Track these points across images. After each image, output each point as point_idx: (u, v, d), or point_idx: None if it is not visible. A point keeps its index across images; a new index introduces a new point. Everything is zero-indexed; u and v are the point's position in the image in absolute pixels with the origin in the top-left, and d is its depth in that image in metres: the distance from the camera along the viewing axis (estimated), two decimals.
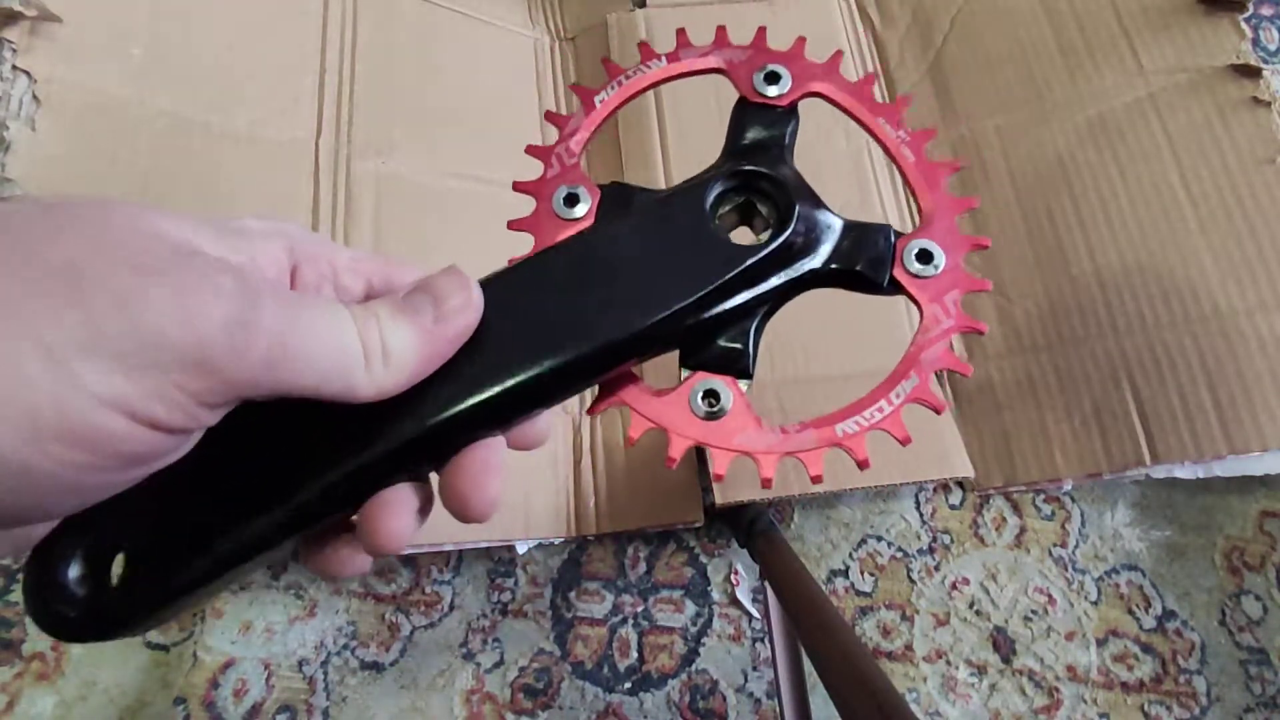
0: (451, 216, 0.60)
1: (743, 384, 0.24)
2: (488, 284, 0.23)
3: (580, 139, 0.27)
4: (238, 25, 0.56)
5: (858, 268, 0.24)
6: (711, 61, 0.28)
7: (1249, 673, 0.57)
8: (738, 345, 0.24)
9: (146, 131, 0.50)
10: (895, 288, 0.25)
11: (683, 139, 0.64)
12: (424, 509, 0.22)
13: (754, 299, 0.24)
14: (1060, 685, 0.58)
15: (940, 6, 0.69)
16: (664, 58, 0.28)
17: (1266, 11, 0.75)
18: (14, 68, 0.46)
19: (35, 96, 0.46)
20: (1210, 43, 0.58)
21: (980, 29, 0.67)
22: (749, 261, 0.23)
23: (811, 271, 0.24)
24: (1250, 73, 0.55)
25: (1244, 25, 0.57)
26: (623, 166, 0.65)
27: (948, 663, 0.59)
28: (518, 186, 0.26)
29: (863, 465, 0.23)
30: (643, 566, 0.61)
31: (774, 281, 0.24)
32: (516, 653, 0.59)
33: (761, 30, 0.28)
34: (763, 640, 0.59)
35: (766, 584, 0.50)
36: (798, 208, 0.24)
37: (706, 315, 0.23)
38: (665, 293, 0.23)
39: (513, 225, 0.26)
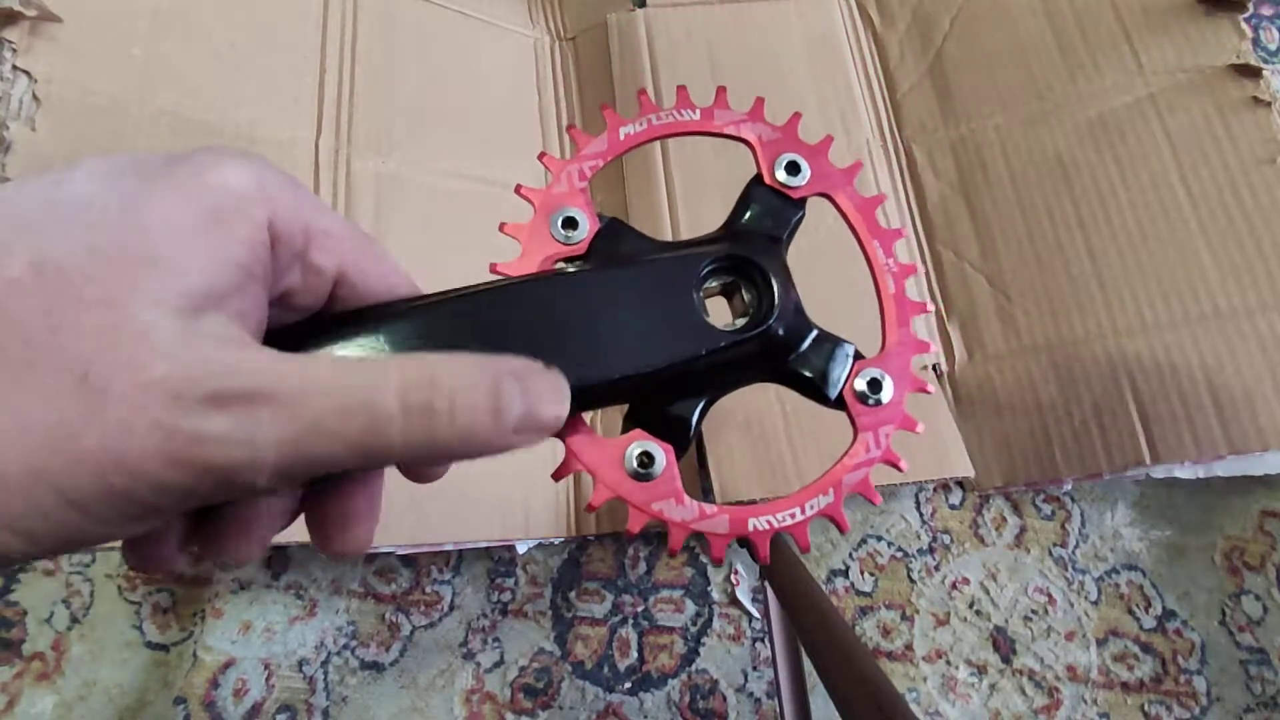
0: (451, 216, 0.60)
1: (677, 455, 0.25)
2: (459, 297, 0.22)
3: (595, 165, 0.27)
4: (238, 25, 0.56)
5: (813, 378, 0.25)
6: (744, 132, 0.28)
7: (1249, 673, 0.57)
8: (683, 417, 0.24)
9: (146, 131, 0.50)
10: (840, 405, 0.26)
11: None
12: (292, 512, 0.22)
13: (709, 379, 0.24)
14: (1060, 685, 0.58)
15: (940, 6, 0.69)
16: (699, 110, 0.28)
17: (1267, 11, 0.75)
18: (14, 68, 0.46)
19: (35, 96, 0.46)
20: (1210, 43, 0.58)
21: (980, 29, 0.67)
22: (719, 345, 0.24)
23: (772, 368, 0.25)
24: (1250, 73, 0.55)
25: (1244, 25, 0.57)
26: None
27: (948, 663, 0.59)
28: (520, 191, 0.26)
29: (762, 562, 0.25)
30: (643, 566, 0.61)
31: (734, 368, 0.25)
32: (516, 652, 0.59)
33: (796, 117, 0.28)
34: (763, 640, 0.59)
35: (766, 584, 0.50)
36: (778, 309, 0.24)
37: (662, 383, 0.24)
38: (631, 355, 0.23)
39: (505, 229, 0.26)
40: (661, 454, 0.24)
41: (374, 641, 0.59)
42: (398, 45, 0.63)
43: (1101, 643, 0.59)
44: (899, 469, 0.26)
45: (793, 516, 0.25)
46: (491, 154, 0.64)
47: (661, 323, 0.23)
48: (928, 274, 0.63)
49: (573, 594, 0.61)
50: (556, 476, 0.25)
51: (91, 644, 0.57)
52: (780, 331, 0.25)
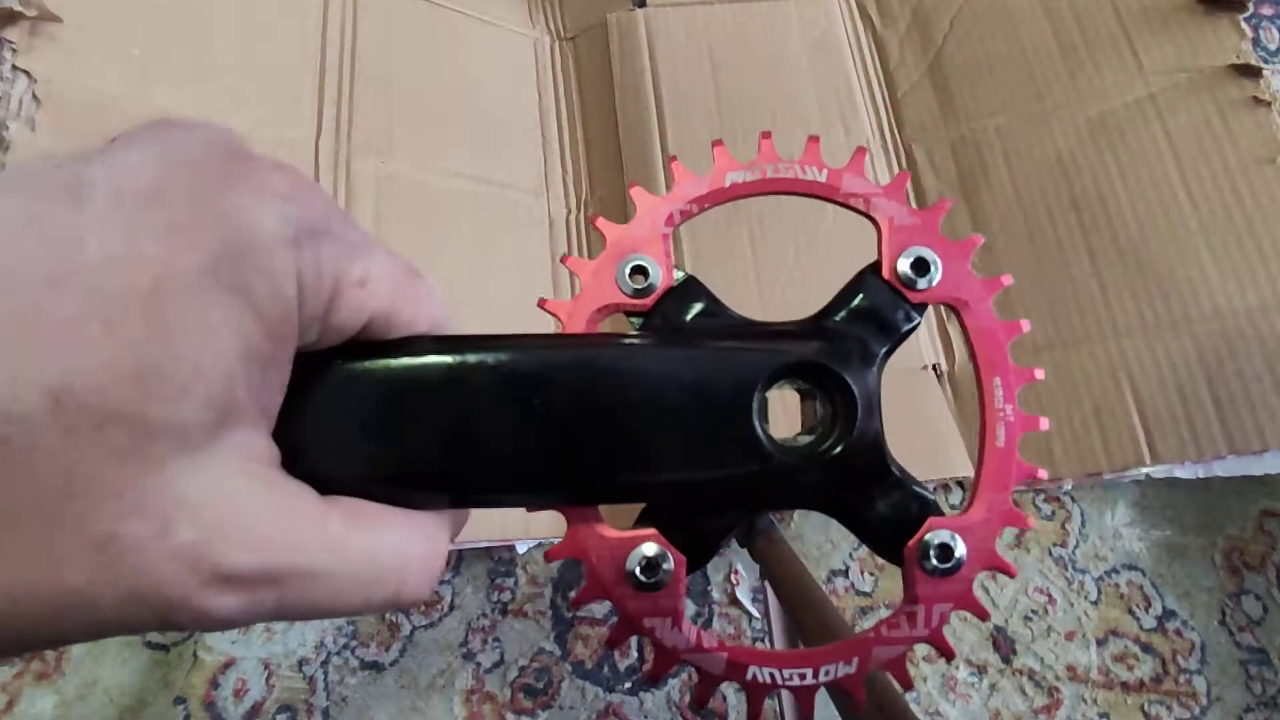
0: (451, 216, 0.60)
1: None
2: (494, 341, 0.20)
3: (687, 210, 0.24)
4: (238, 25, 0.56)
5: (873, 524, 0.22)
6: (874, 209, 0.23)
7: (1249, 673, 0.57)
8: (708, 530, 0.21)
9: None
10: (895, 559, 0.22)
11: (681, 147, 0.64)
12: None
13: (750, 495, 0.21)
14: (1060, 685, 0.58)
15: (940, 6, 0.69)
16: (825, 170, 0.24)
17: (1267, 11, 0.75)
18: (14, 68, 0.46)
19: (35, 96, 0.46)
20: (1210, 43, 0.58)
21: (980, 29, 0.67)
22: (767, 465, 0.20)
23: (826, 499, 0.22)
24: (1250, 73, 0.55)
25: (1244, 25, 0.57)
26: (623, 169, 0.65)
27: (948, 662, 0.59)
28: (597, 224, 0.23)
29: (752, 717, 0.22)
30: None
31: (782, 490, 0.21)
32: (516, 652, 0.59)
33: (942, 204, 0.24)
34: (763, 640, 0.59)
35: (766, 584, 0.50)
36: (852, 438, 0.21)
37: (691, 491, 0.21)
38: (663, 456, 0.20)
39: (567, 262, 0.23)
40: (671, 564, 0.21)
41: (374, 641, 0.59)
42: (398, 45, 0.63)
43: (1101, 643, 0.59)
44: (947, 657, 0.22)
45: (801, 677, 0.21)
46: (491, 154, 0.64)
47: (707, 427, 0.20)
48: None
49: (573, 594, 0.61)
50: (549, 556, 0.22)
51: (91, 644, 0.57)
52: (847, 465, 0.21)
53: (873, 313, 0.22)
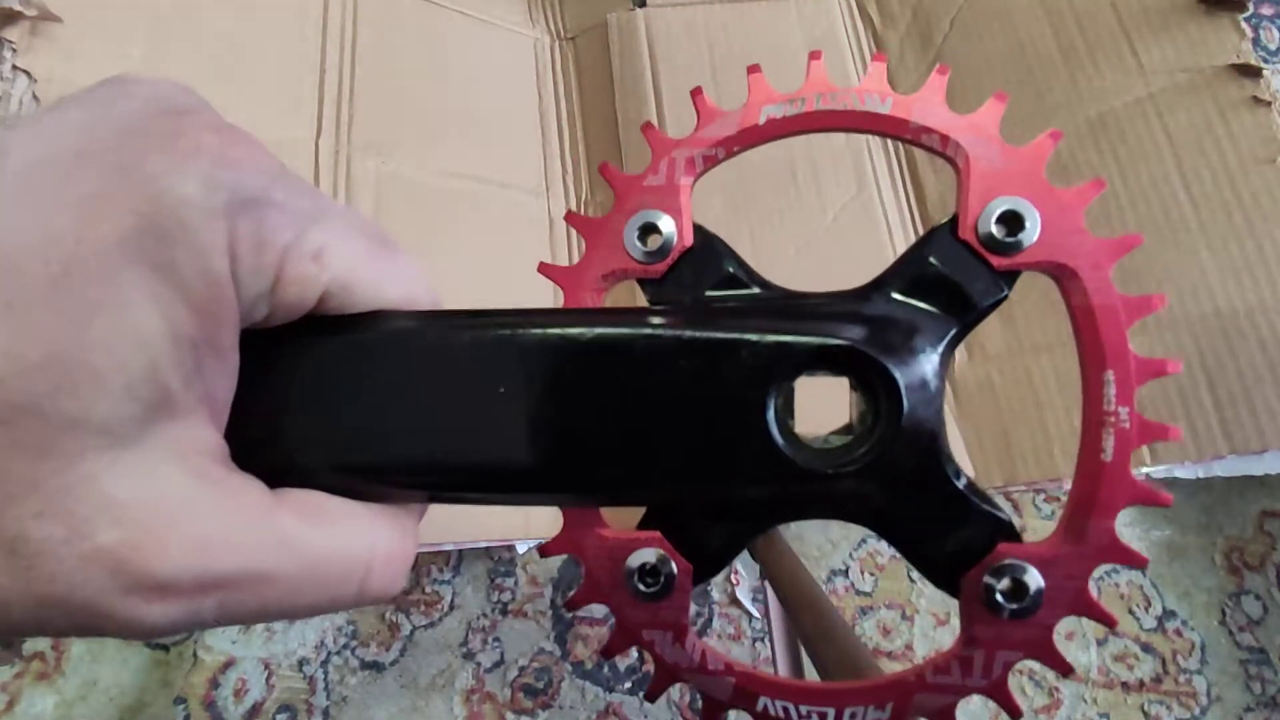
0: (451, 216, 0.60)
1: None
2: (470, 316, 0.17)
3: (712, 155, 0.19)
4: (238, 25, 0.56)
5: (925, 546, 0.18)
6: (951, 148, 0.18)
7: (1249, 673, 0.57)
8: (718, 541, 0.18)
9: None
10: (952, 590, 0.18)
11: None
12: None
13: (767, 506, 0.18)
14: (1060, 685, 0.58)
15: (940, 6, 0.69)
16: (891, 98, 0.18)
17: (1267, 11, 0.75)
18: (14, 68, 0.46)
19: (35, 96, 0.46)
20: (1210, 43, 0.58)
21: (980, 29, 0.67)
22: (789, 471, 0.17)
23: (868, 512, 0.18)
24: (1250, 73, 0.55)
25: (1244, 25, 0.57)
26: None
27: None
28: (605, 172, 0.20)
29: None
30: None
31: (810, 501, 0.18)
32: (516, 652, 0.59)
33: (1049, 139, 0.19)
34: (763, 640, 0.59)
35: (766, 584, 0.50)
36: (899, 441, 0.17)
37: (698, 498, 0.18)
38: (664, 459, 0.17)
39: (570, 218, 0.20)
40: (674, 573, 0.18)
41: (374, 641, 0.59)
42: (398, 45, 0.63)
43: (1101, 643, 0.59)
44: (1012, 716, 0.18)
45: (821, 716, 0.18)
46: (491, 154, 0.64)
47: (713, 426, 0.17)
48: None
49: (573, 593, 0.61)
50: (543, 552, 0.19)
51: (91, 644, 0.57)
52: (888, 474, 0.17)
53: (942, 282, 0.18)
